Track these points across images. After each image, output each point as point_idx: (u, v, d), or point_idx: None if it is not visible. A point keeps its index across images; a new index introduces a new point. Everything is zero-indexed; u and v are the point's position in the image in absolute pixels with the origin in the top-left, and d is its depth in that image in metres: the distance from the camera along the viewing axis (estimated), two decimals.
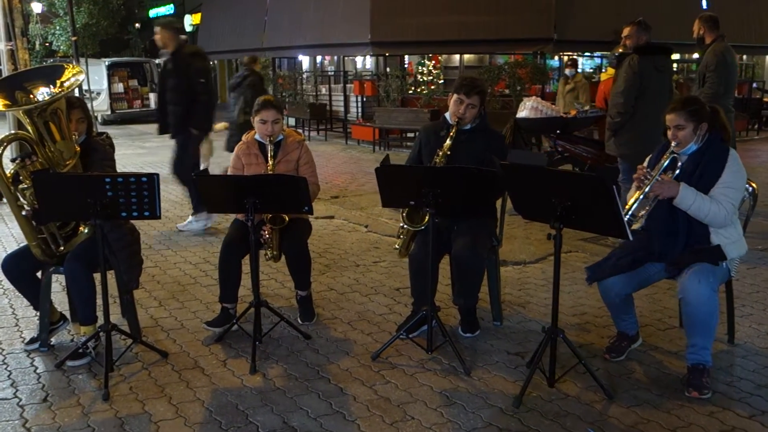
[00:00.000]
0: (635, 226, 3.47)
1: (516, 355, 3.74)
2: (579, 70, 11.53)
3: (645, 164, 3.43)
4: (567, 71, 10.69)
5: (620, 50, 6.34)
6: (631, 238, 2.99)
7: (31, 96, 3.47)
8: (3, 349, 3.84)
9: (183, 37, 6.52)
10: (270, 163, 4.01)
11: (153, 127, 11.51)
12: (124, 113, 18.76)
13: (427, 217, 3.68)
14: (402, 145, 13.30)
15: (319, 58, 19.21)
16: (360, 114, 14.93)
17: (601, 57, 16.55)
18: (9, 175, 3.44)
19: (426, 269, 3.73)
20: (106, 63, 18.66)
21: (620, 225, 2.96)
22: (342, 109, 15.10)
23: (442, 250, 3.99)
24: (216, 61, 27.24)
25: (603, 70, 15.37)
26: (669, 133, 3.34)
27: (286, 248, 4.03)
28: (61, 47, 20.13)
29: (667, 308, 4.40)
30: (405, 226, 3.92)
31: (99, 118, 18.08)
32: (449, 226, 3.97)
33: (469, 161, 3.74)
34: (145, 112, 19.19)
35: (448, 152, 3.82)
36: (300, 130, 10.51)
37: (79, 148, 3.63)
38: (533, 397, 3.24)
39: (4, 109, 3.43)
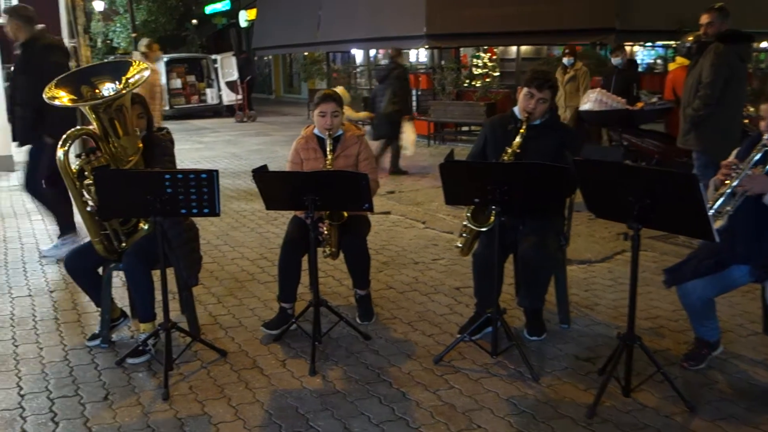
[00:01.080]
0: (717, 224, 3.23)
1: (586, 361, 3.56)
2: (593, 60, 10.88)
3: (731, 158, 3.19)
4: (565, 60, 9.86)
5: (691, 38, 6.03)
6: (717, 239, 2.77)
7: (97, 91, 3.45)
8: (65, 345, 3.85)
9: (39, 26, 5.49)
10: (329, 158, 3.91)
11: (210, 122, 11.67)
12: (181, 108, 19.05)
13: (492, 217, 3.53)
14: (457, 138, 13.09)
15: (372, 52, 19.13)
16: (415, 108, 14.75)
17: (664, 47, 15.96)
18: (74, 170, 3.43)
19: (491, 270, 3.57)
20: (165, 59, 18.95)
21: (706, 226, 2.75)
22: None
23: (508, 249, 3.82)
24: (271, 56, 27.51)
25: (664, 61, 14.84)
26: (762, 124, 3.10)
27: (344, 246, 3.93)
28: (122, 44, 20.58)
29: (748, 312, 4.13)
30: (469, 225, 3.77)
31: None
32: (515, 224, 3.80)
33: (539, 158, 3.56)
34: (203, 108, 19.49)
35: (518, 150, 3.64)
36: (360, 124, 10.44)
37: (141, 144, 3.60)
38: (608, 407, 3.05)
39: (70, 104, 3.42)
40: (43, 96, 3.30)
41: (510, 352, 3.58)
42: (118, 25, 19.17)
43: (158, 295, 3.58)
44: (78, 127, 3.44)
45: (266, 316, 4.19)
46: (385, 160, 9.43)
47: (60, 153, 3.34)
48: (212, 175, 3.21)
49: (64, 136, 3.36)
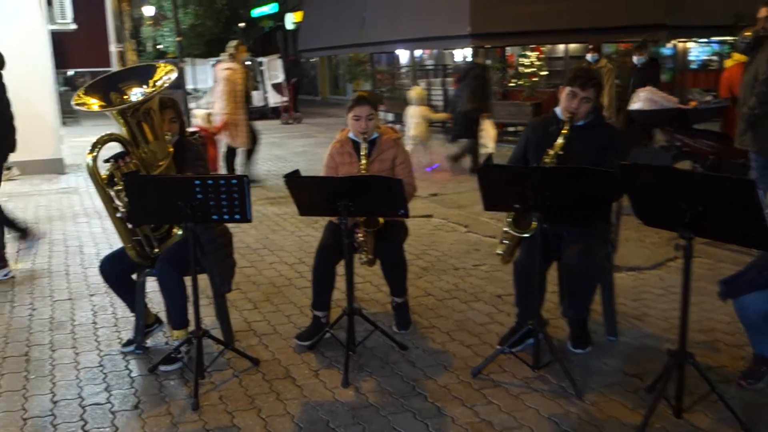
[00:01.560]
0: None
1: (634, 377, 3.36)
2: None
3: None
4: (589, 56, 9.37)
5: (749, 33, 5.71)
6: None
7: (125, 96, 3.42)
8: (101, 351, 3.84)
9: None
10: (363, 162, 3.80)
11: (256, 124, 11.61)
12: None
13: (534, 223, 3.36)
14: (502, 139, 12.82)
15: (418, 52, 19.01)
16: None
17: (720, 43, 15.38)
18: (104, 176, 3.41)
19: (532, 279, 3.41)
20: (212, 63, 19.21)
21: (764, 235, 2.54)
22: (441, 103, 14.79)
23: (551, 257, 3.65)
24: (318, 58, 27.62)
25: (720, 58, 14.29)
26: None
27: (380, 253, 3.81)
28: (170, 48, 20.92)
29: None
30: (509, 231, 3.61)
31: None
32: (559, 230, 3.63)
33: (583, 161, 3.39)
34: (249, 110, 19.58)
35: (560, 152, 3.47)
36: (398, 126, 10.32)
37: (172, 148, 3.55)
38: (657, 429, 2.86)
39: (98, 110, 3.40)
40: (72, 103, 3.29)
41: (552, 365, 3.41)
42: (166, 29, 19.53)
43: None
44: (107, 133, 3.41)
45: (302, 323, 4.11)
46: (464, 162, 9.45)
47: (89, 158, 3.31)
48: (242, 181, 3.14)
49: (93, 141, 3.34)
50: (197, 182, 3.14)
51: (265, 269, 5.30)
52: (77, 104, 3.31)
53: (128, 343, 3.84)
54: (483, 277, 4.96)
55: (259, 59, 20.31)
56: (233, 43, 8.61)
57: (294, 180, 3.36)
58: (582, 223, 3.56)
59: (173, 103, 3.69)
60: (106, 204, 3.43)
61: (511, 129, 13.05)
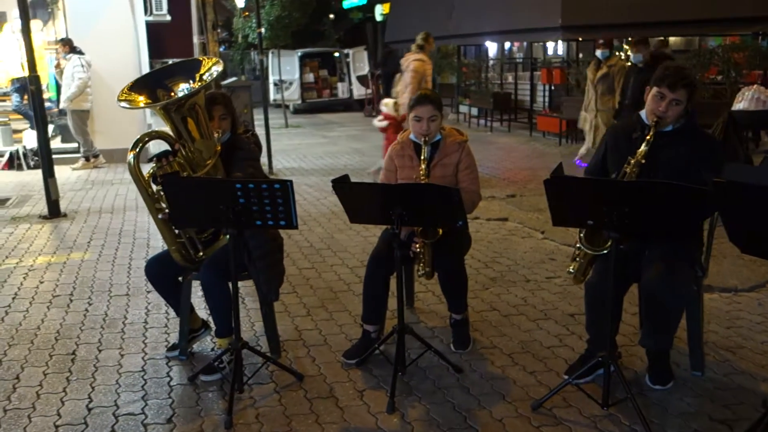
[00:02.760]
0: None
1: (722, 424, 2.91)
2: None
3: None
4: (599, 52, 8.42)
5: None
6: None
7: (172, 93, 3.26)
8: (146, 353, 3.73)
9: None
10: (422, 167, 3.50)
11: (338, 116, 11.55)
12: (313, 102, 19.30)
13: (610, 241, 2.97)
14: None
15: (507, 45, 18.40)
16: (547, 104, 13.96)
17: None
18: (147, 175, 3.26)
19: (606, 304, 3.01)
20: (299, 54, 19.30)
21: None
22: (528, 98, 14.21)
23: (629, 278, 3.25)
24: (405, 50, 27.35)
25: None
26: None
27: (438, 265, 3.50)
28: (257, 40, 21.15)
29: None
30: (582, 247, 3.22)
31: (291, 107, 18.76)
32: (639, 248, 3.22)
33: (669, 172, 2.97)
34: (334, 102, 19.66)
35: (642, 160, 3.05)
36: (471, 126, 9.91)
37: (219, 147, 3.37)
38: None
39: (143, 107, 3.25)
40: (116, 101, 3.15)
41: (625, 403, 2.99)
42: (254, 20, 19.71)
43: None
44: (150, 130, 3.26)
45: (354, 334, 3.86)
46: None
47: (130, 157, 3.17)
48: (286, 186, 2.91)
49: (136, 140, 3.20)
50: (238, 186, 2.94)
51: (325, 271, 5.09)
52: (121, 101, 3.17)
53: (173, 347, 3.71)
54: (556, 292, 4.56)
55: (346, 51, 20.27)
56: (422, 34, 8.47)
57: (343, 186, 3.10)
58: (666, 240, 3.13)
59: (224, 99, 3.50)
60: (148, 205, 3.29)
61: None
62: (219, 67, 3.26)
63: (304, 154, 11.42)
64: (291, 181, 2.92)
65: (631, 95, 7.56)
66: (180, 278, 3.60)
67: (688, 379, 3.31)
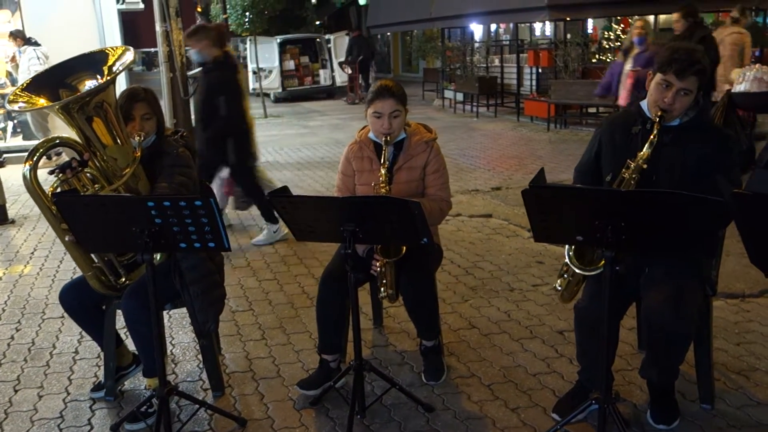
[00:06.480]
0: None
1: None
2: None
3: None
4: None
5: None
6: None
7: (77, 93, 2.71)
8: (69, 393, 3.21)
9: None
10: (382, 171, 2.98)
11: (321, 105, 10.92)
12: (294, 90, 18.68)
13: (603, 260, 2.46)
14: (582, 122, 11.68)
15: (492, 27, 17.82)
16: (534, 88, 13.42)
17: None
18: (50, 191, 2.72)
19: (598, 333, 2.51)
20: (278, 40, 18.64)
21: None
22: (515, 82, 13.67)
23: (628, 298, 2.76)
24: (389, 34, 26.69)
25: None
26: None
27: (403, 288, 2.99)
28: (232, 27, 20.44)
29: None
30: (570, 265, 2.71)
31: (271, 96, 18.15)
32: (639, 265, 2.72)
33: (675, 175, 2.46)
34: (316, 89, 19.04)
35: (644, 165, 2.54)
36: (456, 111, 9.38)
37: (138, 153, 2.83)
38: None
39: (41, 107, 2.71)
40: (6, 105, 2.61)
41: None
42: (228, 7, 19.05)
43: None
44: (53, 136, 2.73)
45: (312, 363, 3.36)
46: None
47: (26, 169, 2.63)
48: (209, 203, 2.39)
49: (32, 148, 2.66)
50: (151, 204, 2.41)
51: (288, 283, 4.58)
52: (12, 102, 2.63)
53: (98, 387, 3.19)
54: (543, 303, 4.06)
55: (327, 36, 19.63)
56: (738, 6, 7.92)
57: (281, 199, 2.58)
58: (670, 258, 2.64)
59: (147, 95, 2.96)
60: (53, 225, 2.74)
61: (591, 111, 11.85)
62: (130, 55, 2.72)
63: (281, 146, 10.86)
64: (214, 197, 2.40)
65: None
66: (103, 306, 3.08)
67: (696, 415, 2.83)
